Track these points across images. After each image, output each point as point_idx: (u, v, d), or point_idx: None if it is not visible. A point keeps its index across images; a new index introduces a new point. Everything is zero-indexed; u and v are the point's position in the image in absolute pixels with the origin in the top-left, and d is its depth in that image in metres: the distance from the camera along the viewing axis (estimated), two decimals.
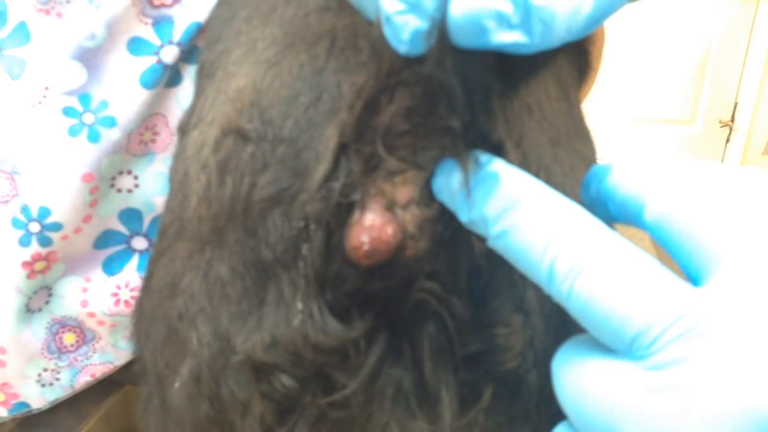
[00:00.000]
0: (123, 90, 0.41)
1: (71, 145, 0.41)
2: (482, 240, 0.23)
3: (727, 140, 2.28)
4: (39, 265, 0.43)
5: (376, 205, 0.24)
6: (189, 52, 0.43)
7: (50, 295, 0.46)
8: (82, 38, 0.40)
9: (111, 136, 0.41)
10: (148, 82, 0.41)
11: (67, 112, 0.41)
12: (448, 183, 0.23)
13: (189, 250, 0.29)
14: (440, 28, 0.20)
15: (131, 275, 0.46)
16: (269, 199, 0.26)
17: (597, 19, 0.22)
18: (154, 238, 0.46)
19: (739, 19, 2.17)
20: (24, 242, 0.42)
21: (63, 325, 0.46)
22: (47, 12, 0.40)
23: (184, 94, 0.44)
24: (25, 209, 0.42)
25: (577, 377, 0.22)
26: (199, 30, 0.41)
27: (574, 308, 0.21)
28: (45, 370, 0.47)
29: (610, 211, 0.26)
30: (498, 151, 0.24)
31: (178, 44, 0.41)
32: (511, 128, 0.26)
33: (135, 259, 0.47)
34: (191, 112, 0.32)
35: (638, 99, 2.21)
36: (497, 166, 0.23)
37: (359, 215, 0.24)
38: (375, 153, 0.23)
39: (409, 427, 0.27)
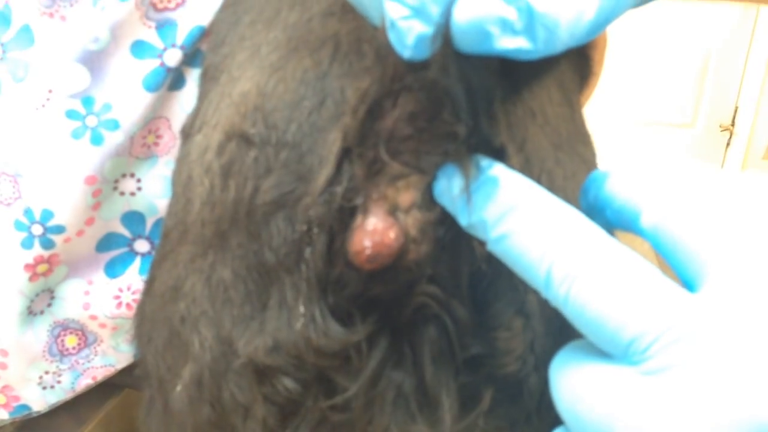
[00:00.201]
0: (126, 93, 0.41)
1: (74, 148, 0.41)
2: (483, 244, 0.23)
3: (728, 144, 2.28)
4: (41, 268, 0.43)
5: (379, 210, 0.24)
6: (192, 56, 0.43)
7: (52, 297, 0.46)
8: (86, 41, 0.40)
9: (114, 139, 0.41)
10: (151, 85, 0.41)
11: (71, 114, 0.41)
12: (449, 187, 0.23)
13: (192, 253, 0.29)
14: (444, 33, 0.20)
15: (133, 278, 0.46)
16: (272, 203, 0.26)
17: (600, 25, 0.22)
18: (156, 241, 0.46)
19: (739, 24, 2.17)
20: (26, 245, 0.42)
21: (65, 327, 0.46)
22: (51, 15, 0.41)
23: (187, 98, 0.44)
24: (27, 212, 0.42)
25: (573, 382, 0.22)
26: (203, 33, 0.41)
27: (570, 313, 0.22)
28: (46, 372, 0.47)
29: (608, 218, 0.26)
30: (500, 155, 0.24)
31: (182, 47, 0.41)
32: (514, 132, 0.27)
33: (137, 262, 0.47)
34: (195, 115, 0.32)
35: (639, 102, 2.20)
36: (497, 170, 0.23)
37: (362, 219, 0.24)
38: (378, 157, 0.24)
39: (409, 431, 0.27)
